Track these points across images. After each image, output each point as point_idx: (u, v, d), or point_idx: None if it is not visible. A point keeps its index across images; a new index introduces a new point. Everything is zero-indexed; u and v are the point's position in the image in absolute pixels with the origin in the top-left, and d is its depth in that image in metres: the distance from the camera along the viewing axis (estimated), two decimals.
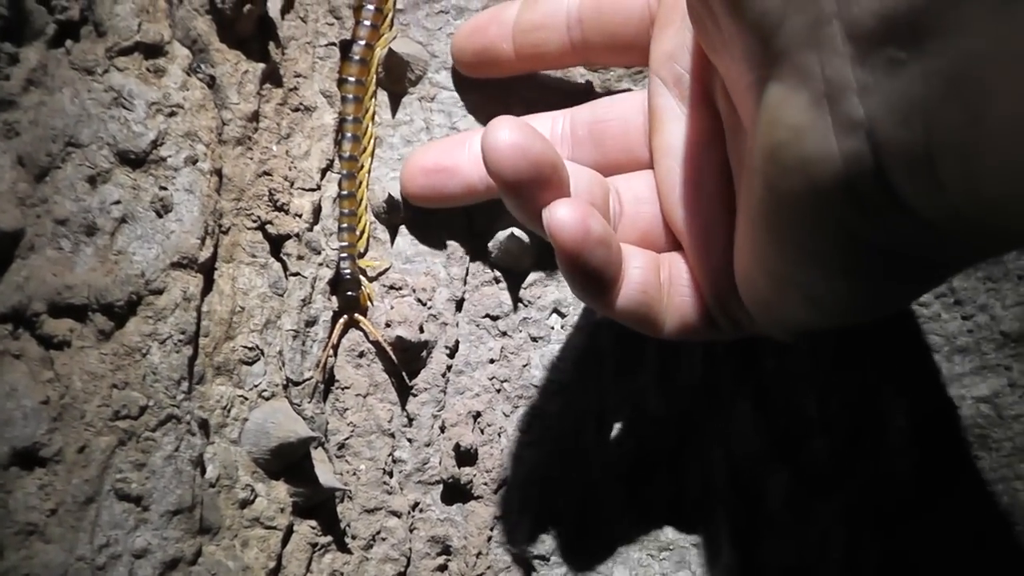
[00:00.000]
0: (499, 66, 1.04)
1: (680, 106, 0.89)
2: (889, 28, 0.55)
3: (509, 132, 0.77)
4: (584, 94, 1.07)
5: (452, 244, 1.05)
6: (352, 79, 1.06)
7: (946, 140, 0.55)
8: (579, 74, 1.09)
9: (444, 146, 1.03)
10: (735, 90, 0.75)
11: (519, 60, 1.02)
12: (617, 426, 1.01)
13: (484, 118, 1.08)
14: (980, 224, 0.58)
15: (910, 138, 0.56)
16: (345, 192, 1.03)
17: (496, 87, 1.07)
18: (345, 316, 1.02)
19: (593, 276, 0.81)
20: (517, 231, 1.00)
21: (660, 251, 0.91)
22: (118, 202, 0.90)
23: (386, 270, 1.05)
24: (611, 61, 1.05)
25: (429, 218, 1.06)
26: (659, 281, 0.87)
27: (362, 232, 1.04)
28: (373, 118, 1.08)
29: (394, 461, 1.01)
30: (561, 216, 0.78)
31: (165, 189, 0.92)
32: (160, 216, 0.91)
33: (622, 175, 0.95)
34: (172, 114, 0.93)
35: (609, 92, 1.07)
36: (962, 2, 0.51)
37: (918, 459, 1.01)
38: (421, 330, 1.01)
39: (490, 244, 1.03)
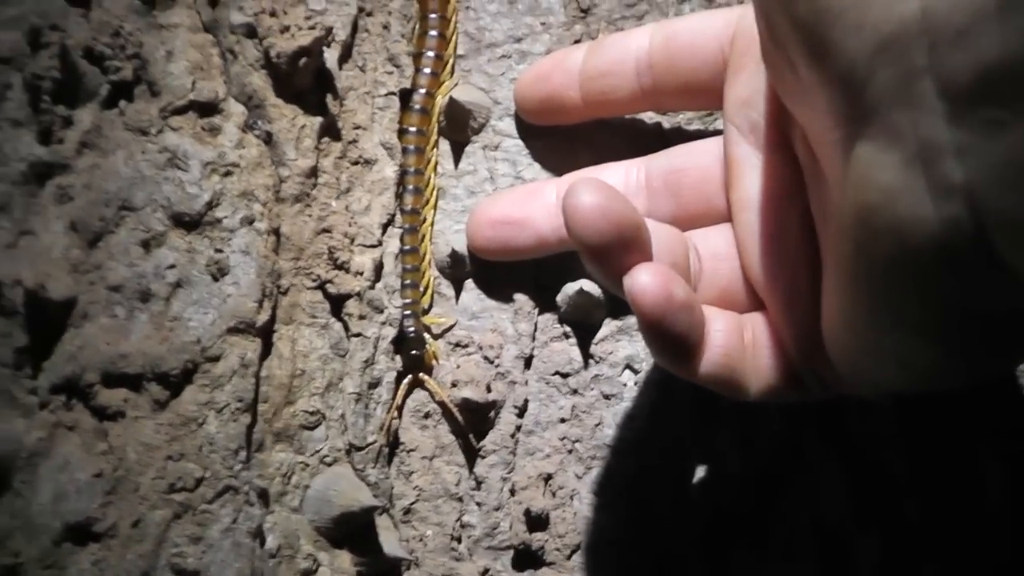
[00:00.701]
0: (565, 113, 1.00)
1: (757, 155, 0.85)
2: (987, 85, 0.51)
3: (591, 194, 0.74)
4: (654, 137, 1.04)
5: (520, 298, 1.01)
6: (413, 129, 1.03)
7: None
8: (647, 116, 1.05)
9: (512, 197, 1.00)
10: (818, 142, 0.71)
11: (586, 107, 0.99)
12: (695, 487, 0.97)
13: (550, 166, 1.05)
14: None
15: (1015, 204, 0.52)
16: (408, 247, 1.00)
17: (562, 133, 1.04)
18: (410, 376, 0.99)
19: (676, 342, 0.77)
20: (586, 285, 0.97)
21: (741, 309, 0.87)
22: (173, 266, 0.89)
23: (451, 327, 1.02)
24: (683, 106, 1.01)
25: (495, 271, 1.02)
26: (743, 343, 0.83)
27: (426, 288, 1.01)
28: (436, 169, 1.05)
29: (462, 526, 0.98)
30: (643, 282, 0.74)
31: (221, 251, 0.89)
32: (216, 280, 0.89)
33: (700, 229, 0.91)
34: (228, 173, 0.91)
35: (680, 134, 1.03)
36: None
37: (1015, 524, 0.95)
38: (488, 389, 0.97)
39: (559, 298, 1.00)
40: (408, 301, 0.99)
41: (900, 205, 0.58)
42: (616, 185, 0.93)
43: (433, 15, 1.04)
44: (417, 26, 1.06)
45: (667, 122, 1.05)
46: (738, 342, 0.82)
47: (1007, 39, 0.49)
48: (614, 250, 0.75)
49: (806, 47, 0.64)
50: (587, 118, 1.01)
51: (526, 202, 0.98)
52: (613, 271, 0.76)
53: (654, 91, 0.95)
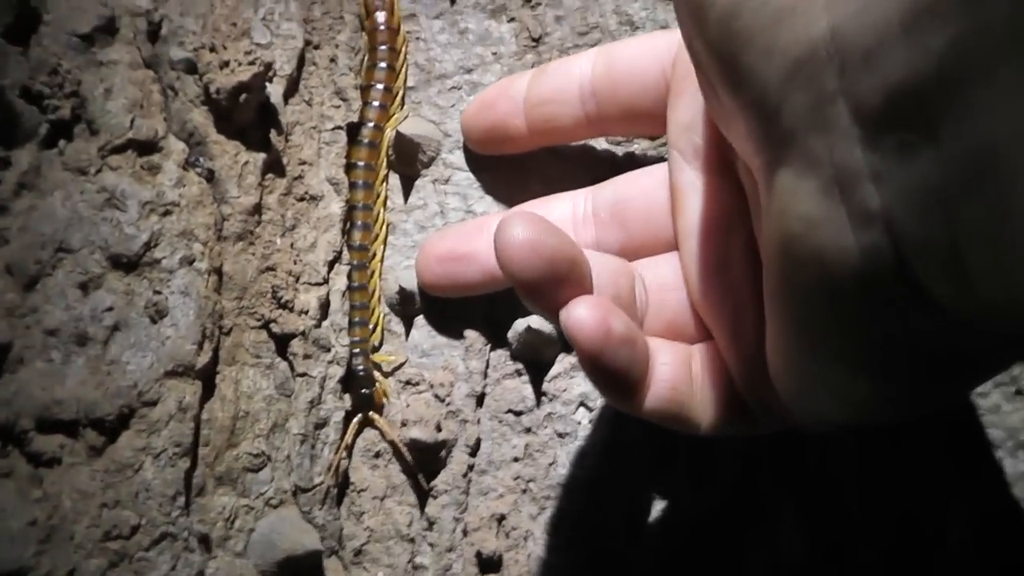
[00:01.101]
0: (512, 142, 0.99)
1: (701, 181, 0.83)
2: (898, 108, 0.49)
3: (523, 228, 0.71)
4: (607, 166, 1.02)
5: (471, 335, 0.99)
6: (361, 163, 1.01)
7: (971, 232, 0.48)
8: (599, 145, 1.03)
9: (460, 232, 0.98)
10: (749, 168, 0.69)
11: (532, 135, 0.97)
12: (651, 527, 0.95)
13: (502, 198, 1.03)
14: (1020, 320, 0.52)
15: (932, 231, 0.50)
16: (356, 284, 0.99)
17: (513, 165, 1.02)
18: (359, 415, 0.97)
19: (618, 377, 0.75)
20: (535, 322, 0.95)
21: (690, 340, 0.85)
22: (110, 309, 0.87)
23: (401, 365, 1.00)
24: (629, 132, 0.99)
25: (446, 307, 1.01)
26: (690, 376, 0.81)
27: (375, 325, 1.00)
28: (385, 203, 1.03)
29: (414, 568, 0.96)
30: (579, 316, 0.72)
31: (160, 293, 0.88)
32: (154, 322, 0.88)
33: (647, 259, 0.89)
34: (167, 213, 0.89)
35: (633, 161, 1.02)
36: (979, 76, 0.45)
37: (979, 569, 0.93)
38: (439, 428, 0.96)
39: (509, 335, 0.98)
40: (357, 339, 0.98)
41: (820, 234, 0.56)
42: (563, 216, 0.92)
43: (382, 47, 1.03)
44: (365, 58, 1.04)
45: (620, 150, 1.03)
46: (685, 375, 0.80)
47: (913, 59, 0.48)
48: (548, 285, 0.72)
49: (721, 72, 0.62)
50: (534, 147, 1.00)
51: (473, 237, 0.96)
52: (549, 306, 0.74)
53: (599, 117, 0.94)
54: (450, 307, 1.01)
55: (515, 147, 1.00)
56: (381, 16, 1.03)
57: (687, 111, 0.84)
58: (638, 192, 0.92)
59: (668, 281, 0.86)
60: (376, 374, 0.98)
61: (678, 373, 0.79)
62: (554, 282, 0.72)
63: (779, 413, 0.78)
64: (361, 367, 0.97)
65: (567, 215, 0.93)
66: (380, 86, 1.02)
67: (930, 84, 0.47)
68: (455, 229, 0.99)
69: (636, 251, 0.90)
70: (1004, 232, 0.47)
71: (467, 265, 0.96)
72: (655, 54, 0.90)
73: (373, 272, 1.01)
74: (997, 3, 0.43)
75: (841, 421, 0.74)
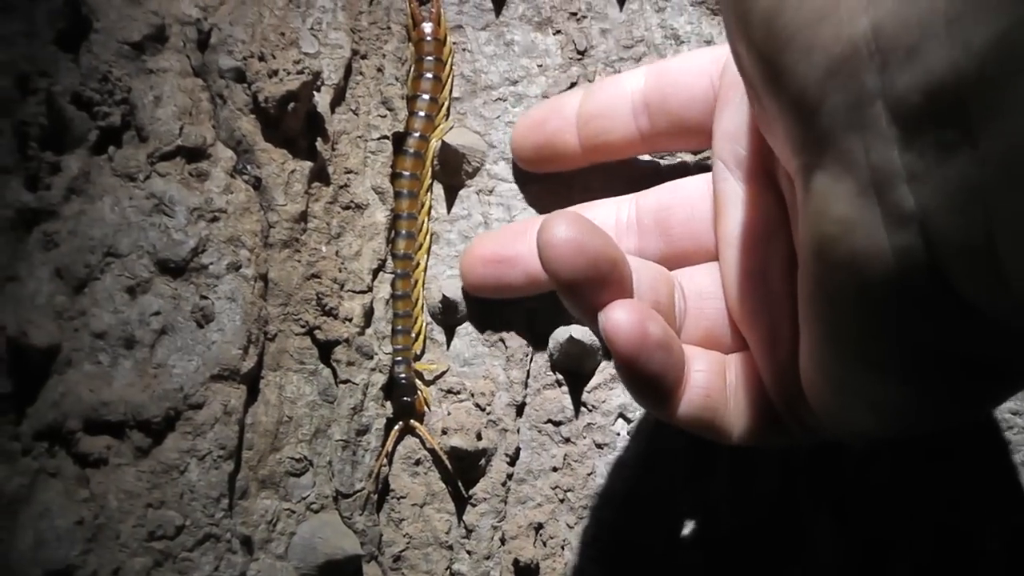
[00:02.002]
0: (562, 160, 0.99)
1: (743, 190, 0.83)
2: (938, 106, 0.50)
3: (566, 228, 0.72)
4: (651, 177, 1.02)
5: (512, 345, 1.00)
6: (407, 173, 1.02)
7: (1009, 232, 0.49)
8: (643, 159, 1.03)
9: (504, 235, 0.99)
10: (790, 173, 0.69)
11: (584, 152, 0.98)
12: (687, 538, 0.95)
13: (545, 210, 1.04)
14: None
15: (968, 231, 0.50)
16: (399, 292, 1.00)
17: (556, 177, 1.03)
18: (400, 422, 0.98)
19: (653, 382, 0.75)
20: (576, 332, 0.96)
21: (726, 349, 0.85)
22: (158, 313, 0.88)
23: (443, 373, 1.01)
24: (679, 146, 0.99)
25: (488, 317, 1.02)
26: (724, 384, 0.81)
27: (418, 334, 1.00)
28: (429, 213, 1.04)
29: (452, 575, 0.97)
30: (617, 319, 0.72)
31: (206, 298, 0.89)
32: (201, 326, 0.89)
33: (687, 268, 0.89)
34: (214, 219, 0.90)
35: (676, 172, 1.02)
36: (1020, 72, 0.45)
37: None
38: (479, 437, 0.96)
39: (550, 345, 0.99)
40: (399, 347, 0.99)
41: (855, 236, 0.57)
42: (606, 222, 0.92)
43: (428, 58, 1.04)
44: (412, 69, 1.05)
45: (663, 162, 1.04)
46: (720, 383, 0.81)
47: (956, 55, 0.48)
48: (589, 286, 0.73)
49: (763, 72, 0.62)
50: (585, 164, 1.00)
51: (517, 240, 0.97)
52: (588, 307, 0.74)
53: (650, 132, 0.94)
54: (492, 317, 1.02)
55: (565, 165, 1.00)
56: (428, 27, 1.04)
57: (732, 121, 0.84)
58: (681, 200, 0.92)
59: (707, 290, 0.86)
60: (417, 382, 0.99)
61: (713, 381, 0.80)
62: (595, 283, 0.73)
63: (812, 425, 0.78)
64: (403, 375, 0.98)
65: (610, 220, 0.94)
66: (426, 96, 1.03)
67: (972, 81, 0.47)
68: (500, 232, 1.00)
69: (677, 259, 0.90)
70: None
71: (511, 268, 0.96)
72: (704, 67, 0.90)
73: (416, 281, 1.01)
74: None
75: (873, 432, 0.74)
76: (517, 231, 0.98)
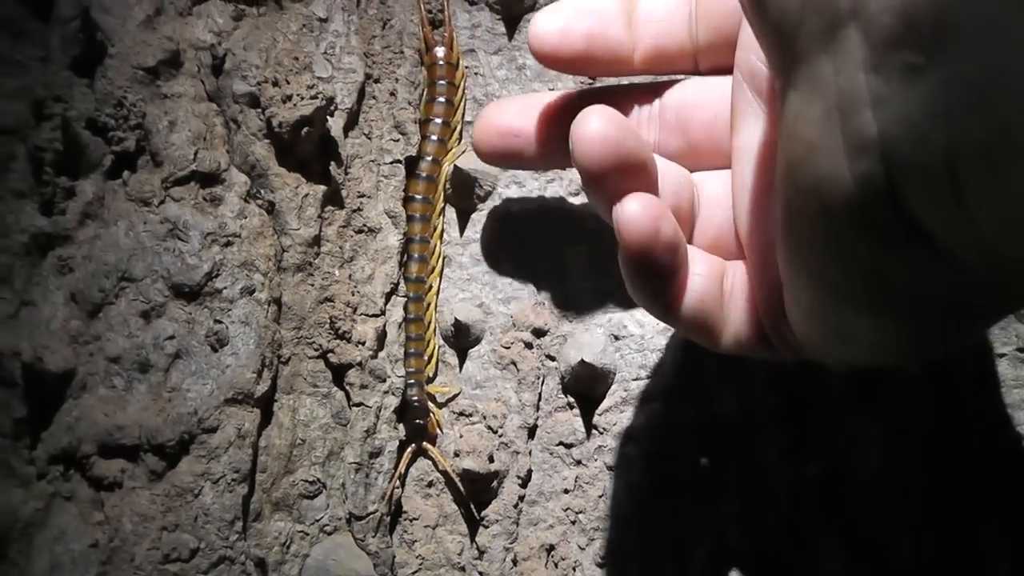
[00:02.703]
0: (606, 65, 0.92)
1: (757, 104, 0.81)
2: (909, 27, 0.48)
3: (600, 122, 0.72)
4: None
5: (524, 368, 1.00)
6: (419, 197, 1.03)
7: (971, 158, 0.48)
8: None
9: (521, 107, 0.97)
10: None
11: (641, 61, 0.91)
12: (698, 560, 0.95)
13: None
14: (1017, 256, 0.51)
15: (929, 157, 0.50)
16: (412, 316, 1.00)
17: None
18: (413, 445, 0.98)
19: (654, 280, 0.75)
20: (588, 356, 0.96)
21: (729, 258, 0.84)
22: (172, 337, 0.89)
23: (455, 396, 1.01)
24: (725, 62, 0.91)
25: (499, 341, 1.02)
26: (720, 291, 0.80)
27: (430, 357, 1.01)
28: (441, 237, 1.04)
29: None
30: (632, 211, 0.72)
31: (220, 322, 0.90)
32: (215, 350, 0.89)
33: (705, 172, 0.88)
34: (228, 244, 0.91)
35: None
36: None
37: None
38: (491, 459, 0.97)
39: (561, 369, 0.99)
40: (412, 370, 0.99)
41: (819, 161, 0.56)
42: (630, 111, 0.92)
43: (441, 82, 1.04)
44: (425, 93, 1.06)
45: None
46: (716, 290, 0.80)
47: None
48: (615, 179, 0.73)
49: None
50: (632, 72, 0.94)
51: (532, 113, 0.95)
52: (610, 199, 0.74)
53: (703, 45, 0.90)
54: (505, 339, 1.02)
55: (609, 70, 0.95)
56: (440, 51, 1.05)
57: (749, 32, 0.80)
58: (705, 101, 0.90)
59: (717, 198, 0.85)
60: (430, 405, 0.99)
61: (709, 286, 0.79)
62: (621, 177, 0.73)
63: (794, 346, 0.77)
64: (415, 398, 0.98)
65: (635, 110, 0.92)
66: (439, 120, 1.04)
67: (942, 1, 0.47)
68: (515, 101, 0.99)
69: (695, 158, 0.89)
70: (1004, 154, 0.46)
71: (526, 142, 0.95)
72: None
73: (429, 304, 1.02)
74: None
75: (849, 360, 0.73)
76: (534, 102, 0.97)
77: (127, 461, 0.86)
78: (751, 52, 0.81)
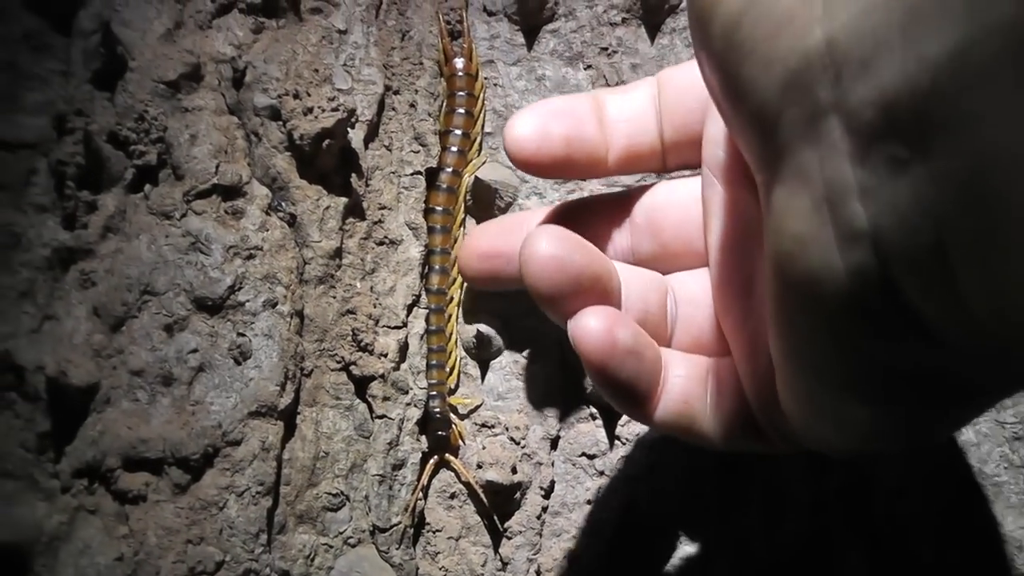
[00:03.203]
0: (583, 168, 0.92)
1: (728, 196, 0.81)
2: (890, 119, 0.48)
3: (547, 243, 0.73)
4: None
5: (546, 379, 1.00)
6: (440, 208, 1.02)
7: (962, 249, 0.47)
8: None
9: (500, 229, 0.99)
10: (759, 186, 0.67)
11: (613, 161, 0.91)
12: (722, 572, 0.95)
13: None
14: (1014, 342, 0.51)
15: (921, 248, 0.49)
16: (434, 327, 1.00)
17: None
18: (436, 456, 0.98)
19: (624, 388, 0.76)
20: None
21: (714, 355, 0.84)
22: (195, 350, 0.89)
23: (478, 407, 1.01)
24: (692, 160, 0.91)
25: (523, 351, 1.02)
26: (704, 391, 0.80)
27: (452, 368, 1.01)
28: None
29: None
30: (585, 326, 0.74)
31: (243, 335, 0.90)
32: (238, 363, 0.89)
33: (679, 273, 0.88)
34: (250, 257, 0.91)
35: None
36: (977, 85, 0.44)
37: None
38: (514, 471, 0.96)
39: (585, 380, 0.99)
40: (434, 381, 0.99)
41: (809, 254, 0.56)
42: (600, 219, 0.92)
43: (460, 93, 1.04)
44: (444, 104, 1.06)
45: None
46: (699, 390, 0.80)
47: (908, 68, 0.47)
48: (567, 297, 0.74)
49: (724, 85, 0.62)
50: (607, 174, 0.94)
51: (513, 233, 0.96)
52: (563, 316, 0.75)
53: (668, 143, 0.90)
54: (526, 350, 1.02)
55: (585, 173, 0.95)
56: (460, 62, 1.05)
57: (715, 125, 0.82)
58: (674, 202, 0.90)
59: (697, 297, 0.85)
60: (452, 417, 0.99)
61: (691, 387, 0.80)
62: (574, 296, 0.74)
63: (789, 436, 0.77)
64: (438, 409, 0.98)
65: (605, 215, 0.93)
66: (458, 132, 1.04)
67: (925, 95, 0.46)
68: (497, 223, 1.00)
69: (668, 260, 0.89)
70: (996, 246, 0.46)
71: (506, 263, 0.96)
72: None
73: (451, 316, 1.02)
74: (1000, 5, 0.42)
75: (844, 448, 0.73)
76: (514, 223, 0.98)
77: (151, 474, 0.86)
78: (718, 147, 0.81)
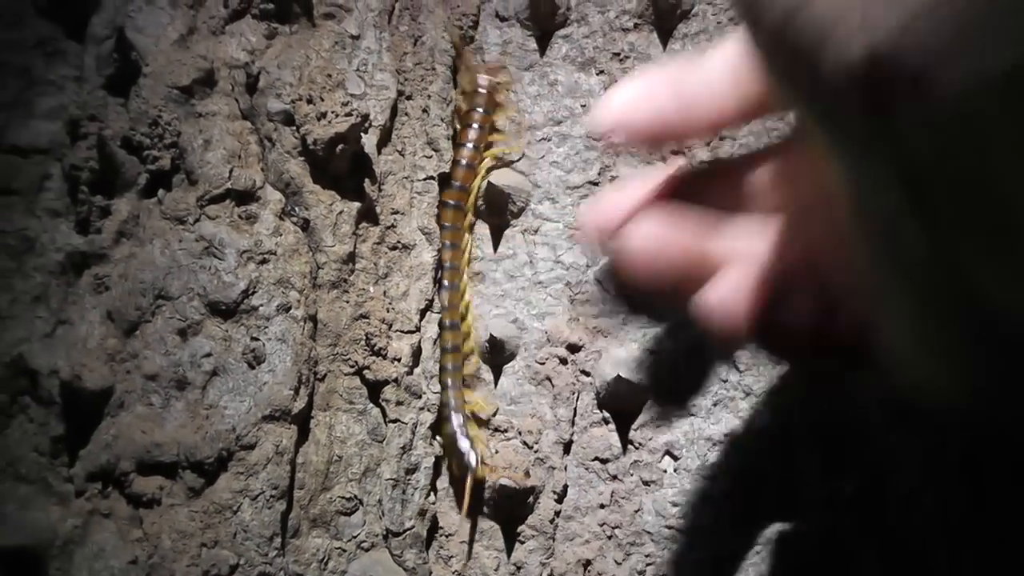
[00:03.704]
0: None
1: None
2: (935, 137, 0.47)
3: (646, 231, 0.70)
4: None
5: (559, 383, 1.00)
6: (448, 225, 1.04)
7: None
8: None
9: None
10: None
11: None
12: (734, 575, 0.95)
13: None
14: None
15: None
16: (450, 347, 1.00)
17: None
18: (469, 478, 0.97)
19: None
20: (624, 371, 0.96)
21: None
22: (209, 355, 0.89)
23: (495, 413, 1.01)
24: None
25: (534, 357, 1.02)
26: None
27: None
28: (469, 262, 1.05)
29: None
30: (711, 304, 0.71)
31: (257, 340, 0.90)
32: (252, 368, 0.89)
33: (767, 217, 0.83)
34: (264, 261, 0.91)
35: None
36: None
37: None
38: (527, 475, 0.96)
39: (597, 384, 0.99)
40: (453, 403, 0.99)
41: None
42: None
43: (479, 110, 1.05)
44: (461, 117, 1.07)
45: None
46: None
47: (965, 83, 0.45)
48: (675, 289, 0.71)
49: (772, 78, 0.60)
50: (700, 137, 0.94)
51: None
52: (679, 303, 0.72)
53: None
54: (540, 354, 1.02)
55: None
56: (484, 80, 1.05)
57: None
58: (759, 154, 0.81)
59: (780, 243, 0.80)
60: (473, 435, 0.99)
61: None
62: (681, 284, 0.71)
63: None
64: (459, 432, 0.98)
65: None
66: (470, 145, 1.04)
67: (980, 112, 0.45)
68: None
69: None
70: None
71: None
72: None
73: (467, 335, 1.02)
74: None
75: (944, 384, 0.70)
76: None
77: (165, 478, 0.87)
78: None
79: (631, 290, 0.72)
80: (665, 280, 0.70)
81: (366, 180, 0.98)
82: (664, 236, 0.70)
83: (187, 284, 0.90)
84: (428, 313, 1.00)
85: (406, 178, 1.02)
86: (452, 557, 0.97)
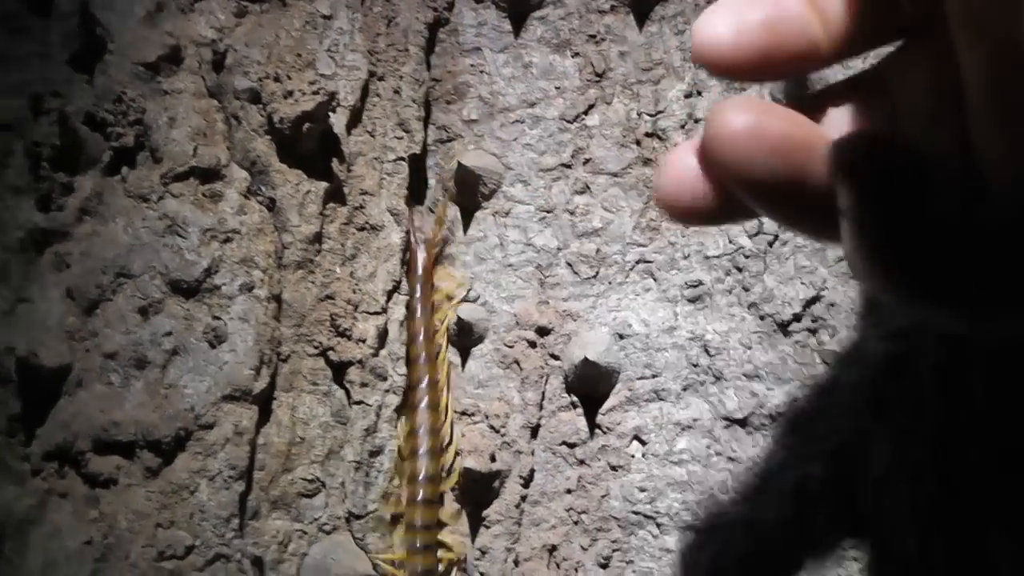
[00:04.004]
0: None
1: None
2: None
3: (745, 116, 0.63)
4: None
5: (527, 367, 0.99)
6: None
7: None
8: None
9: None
10: None
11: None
12: (702, 561, 0.94)
13: (562, 232, 1.02)
14: None
15: None
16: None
17: None
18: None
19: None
20: (591, 355, 0.95)
21: None
22: (169, 333, 0.88)
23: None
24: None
25: (504, 339, 1.01)
26: None
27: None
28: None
29: None
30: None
31: (219, 319, 0.89)
32: (213, 347, 0.89)
33: None
34: (227, 240, 0.90)
35: None
36: None
37: None
38: (493, 459, 0.95)
39: (565, 368, 0.98)
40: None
41: None
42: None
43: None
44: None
45: None
46: None
47: None
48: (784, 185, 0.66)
49: None
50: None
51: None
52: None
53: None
54: (508, 338, 1.01)
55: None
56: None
57: None
58: None
59: None
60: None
61: None
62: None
63: None
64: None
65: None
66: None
67: None
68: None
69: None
70: None
71: None
72: None
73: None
74: None
75: None
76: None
77: (123, 458, 0.86)
78: None
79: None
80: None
81: (334, 160, 0.97)
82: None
83: (149, 262, 0.89)
84: (395, 295, 0.99)
85: (376, 159, 1.01)
86: None
